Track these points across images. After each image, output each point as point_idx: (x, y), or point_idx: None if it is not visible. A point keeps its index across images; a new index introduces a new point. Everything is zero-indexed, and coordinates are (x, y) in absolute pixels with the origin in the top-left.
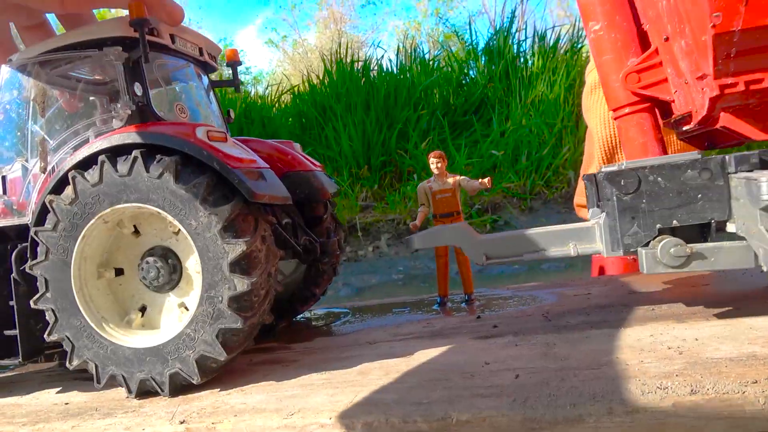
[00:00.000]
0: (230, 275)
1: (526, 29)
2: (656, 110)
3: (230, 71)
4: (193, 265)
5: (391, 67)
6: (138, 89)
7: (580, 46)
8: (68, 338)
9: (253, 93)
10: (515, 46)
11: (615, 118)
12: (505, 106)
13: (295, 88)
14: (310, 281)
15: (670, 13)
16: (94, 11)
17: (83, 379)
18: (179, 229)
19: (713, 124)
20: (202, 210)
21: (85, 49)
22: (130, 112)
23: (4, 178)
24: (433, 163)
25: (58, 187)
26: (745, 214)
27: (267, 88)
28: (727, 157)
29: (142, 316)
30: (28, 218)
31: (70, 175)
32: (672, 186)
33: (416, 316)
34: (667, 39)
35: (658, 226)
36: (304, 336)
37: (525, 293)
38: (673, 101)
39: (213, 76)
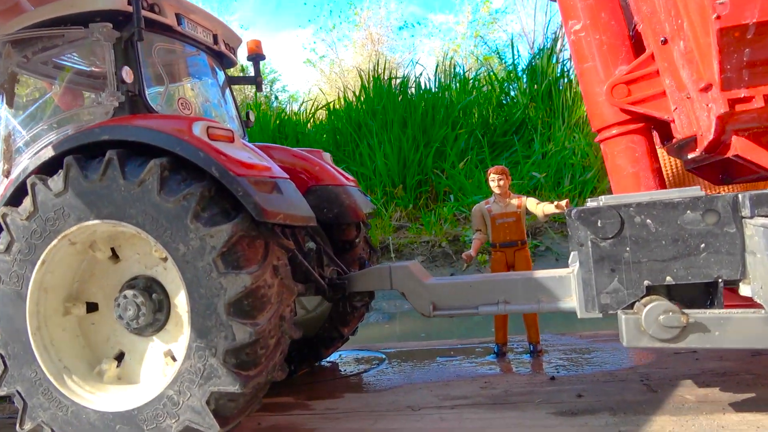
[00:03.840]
0: (228, 319)
1: (565, 50)
2: (652, 132)
3: (250, 68)
4: (183, 302)
5: (430, 85)
6: (128, 75)
7: None
8: (19, 394)
9: (288, 111)
10: (559, 66)
11: (599, 141)
12: (547, 127)
13: (331, 105)
14: (338, 319)
15: (668, 7)
16: None
17: None
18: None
19: (724, 152)
20: (194, 230)
21: (68, 26)
22: (117, 104)
23: None
24: (494, 180)
25: (17, 197)
26: (765, 274)
27: (302, 104)
28: (740, 195)
29: (118, 365)
30: None
31: (29, 182)
32: (666, 231)
33: (469, 369)
34: (665, 42)
35: (646, 282)
36: (328, 390)
37: (606, 345)
38: (673, 121)
39: (232, 72)
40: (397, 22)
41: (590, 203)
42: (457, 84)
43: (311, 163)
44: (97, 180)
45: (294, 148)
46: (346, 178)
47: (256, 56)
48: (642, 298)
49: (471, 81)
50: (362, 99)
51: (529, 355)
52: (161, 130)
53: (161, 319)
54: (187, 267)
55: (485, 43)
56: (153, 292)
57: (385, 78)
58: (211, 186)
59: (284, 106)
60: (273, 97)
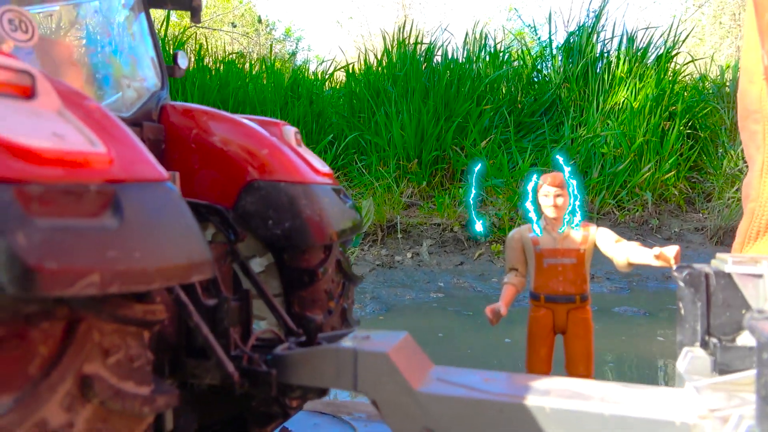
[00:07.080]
0: None
1: (605, 30)
2: None
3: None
4: None
5: (457, 54)
6: None
7: (676, 52)
8: None
9: (311, 72)
10: (599, 46)
11: None
12: (579, 111)
13: (350, 67)
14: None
15: None
16: None
17: None
18: None
19: None
20: None
21: None
22: None
23: None
24: (548, 195)
25: None
26: None
27: (320, 63)
28: None
29: None
30: None
31: None
32: None
33: None
34: None
35: None
36: None
37: None
38: None
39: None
40: None
41: None
42: (487, 56)
43: (258, 142)
44: None
45: (244, 118)
46: (317, 172)
47: None
48: None
49: (501, 54)
50: (384, 63)
51: None
52: None
53: None
54: None
55: (519, 17)
56: None
57: (411, 43)
58: None
59: (308, 65)
60: (292, 52)
